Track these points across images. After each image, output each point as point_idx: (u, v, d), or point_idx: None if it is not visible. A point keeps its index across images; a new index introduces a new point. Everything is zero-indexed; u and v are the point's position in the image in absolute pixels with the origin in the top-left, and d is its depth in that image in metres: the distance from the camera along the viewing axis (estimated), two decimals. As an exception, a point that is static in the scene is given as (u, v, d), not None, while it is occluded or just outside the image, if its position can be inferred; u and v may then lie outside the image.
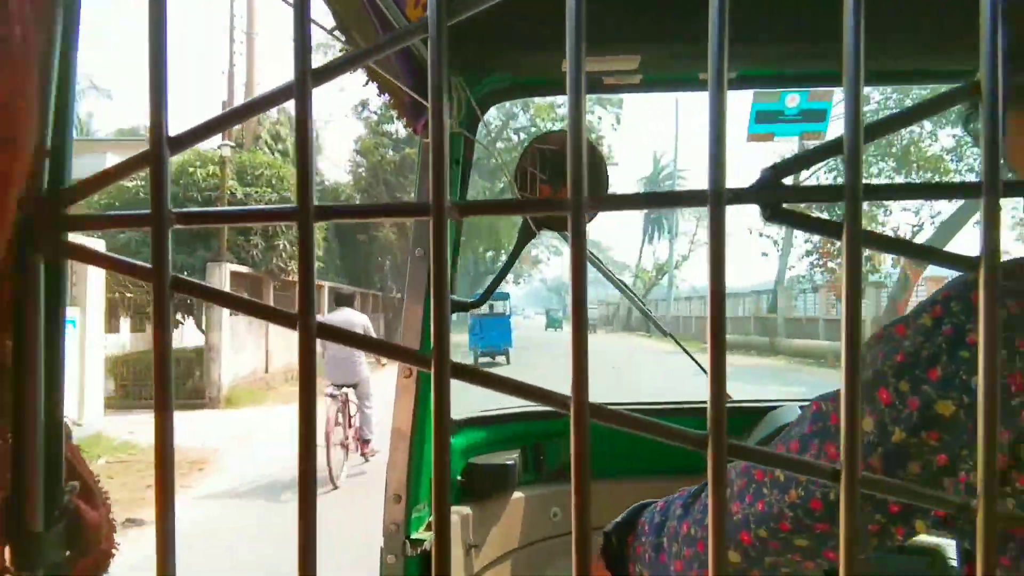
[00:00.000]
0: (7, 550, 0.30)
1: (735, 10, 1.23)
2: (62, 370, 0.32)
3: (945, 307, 0.66)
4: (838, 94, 1.43)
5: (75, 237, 0.31)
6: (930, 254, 0.29)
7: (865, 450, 0.67)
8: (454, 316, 1.45)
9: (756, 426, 1.61)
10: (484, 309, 18.67)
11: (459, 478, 1.58)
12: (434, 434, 0.27)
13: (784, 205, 0.29)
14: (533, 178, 1.42)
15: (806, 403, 1.78)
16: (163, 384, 0.28)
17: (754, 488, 0.77)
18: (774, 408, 1.64)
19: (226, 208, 0.29)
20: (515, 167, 1.37)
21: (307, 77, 0.28)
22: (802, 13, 1.15)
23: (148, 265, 0.28)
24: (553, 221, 1.26)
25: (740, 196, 0.28)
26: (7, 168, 0.27)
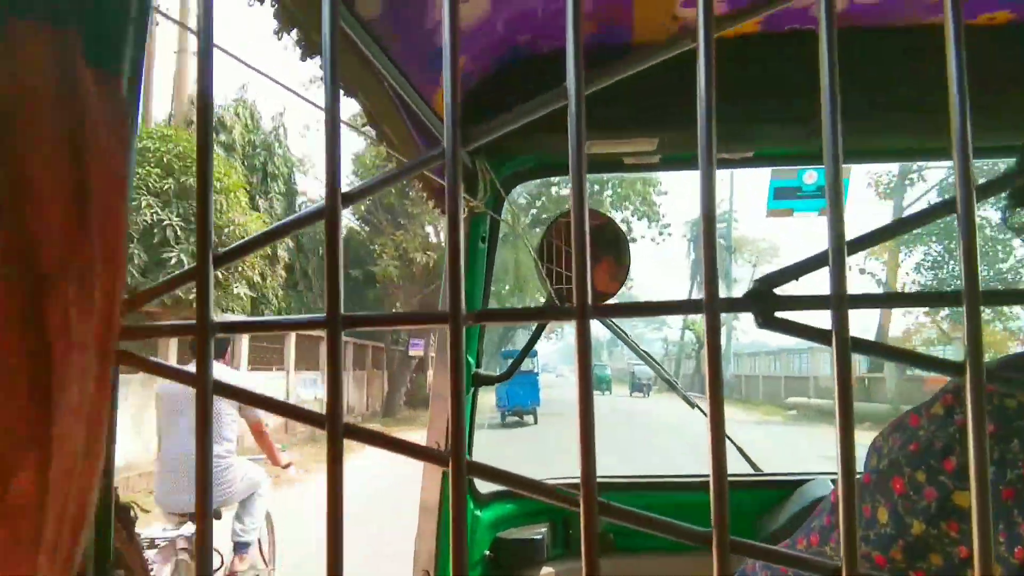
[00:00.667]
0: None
1: (748, 92, 1.28)
2: (112, 462, 0.34)
3: (956, 396, 0.67)
4: (856, 169, 1.46)
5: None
6: (917, 359, 0.31)
7: (885, 542, 0.66)
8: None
9: (788, 500, 1.59)
10: None
11: (487, 552, 1.57)
12: (452, 533, 0.29)
13: (777, 313, 0.31)
14: (558, 250, 1.46)
15: (836, 476, 1.74)
16: (204, 486, 0.30)
17: None
18: (806, 481, 1.62)
19: (263, 318, 0.32)
20: (540, 240, 1.41)
21: (337, 200, 0.32)
22: (814, 94, 1.18)
23: (192, 371, 0.31)
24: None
25: (734, 304, 0.31)
26: (113, 284, 0.31)
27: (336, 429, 0.31)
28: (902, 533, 0.66)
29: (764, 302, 0.30)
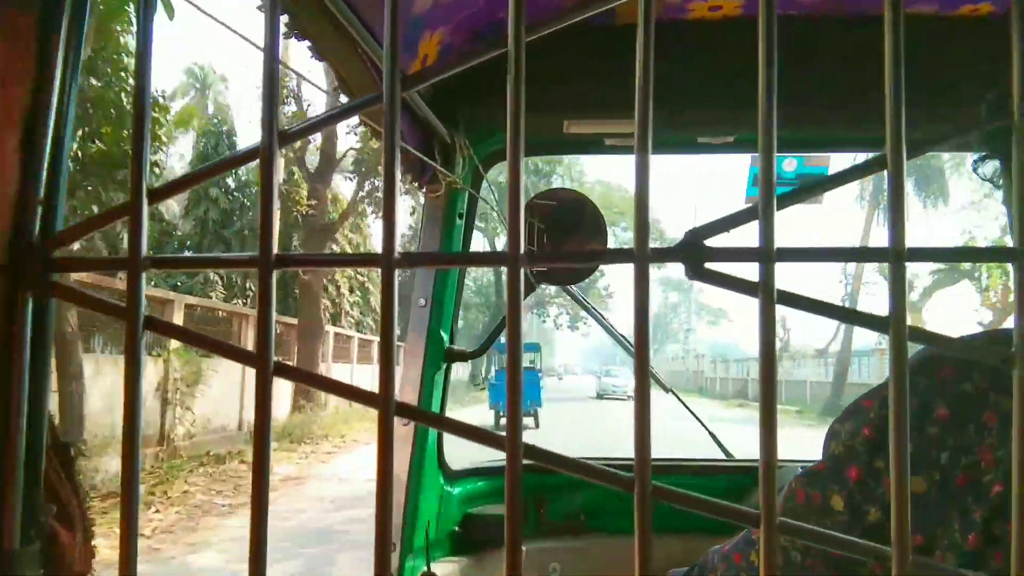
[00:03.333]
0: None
1: (729, 76, 1.28)
2: (47, 396, 0.34)
3: (911, 380, 0.66)
4: (835, 158, 1.46)
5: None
6: (845, 314, 0.31)
7: (839, 530, 0.67)
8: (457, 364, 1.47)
9: (755, 487, 1.60)
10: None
11: (456, 528, 1.58)
12: (377, 482, 0.29)
13: (706, 265, 0.31)
14: (540, 232, 1.46)
15: (809, 463, 1.76)
16: (132, 420, 0.30)
17: (732, 572, 0.78)
18: (777, 468, 1.64)
19: (194, 255, 0.32)
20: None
21: (274, 139, 0.32)
22: (797, 80, 1.19)
23: (123, 304, 0.31)
24: (550, 276, 1.29)
25: (664, 254, 0.31)
26: None
27: (267, 367, 0.31)
28: (858, 521, 0.65)
29: (694, 253, 0.31)
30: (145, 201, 0.31)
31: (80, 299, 0.33)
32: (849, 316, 0.31)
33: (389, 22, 0.32)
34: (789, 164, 1.45)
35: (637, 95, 0.32)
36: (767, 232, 0.30)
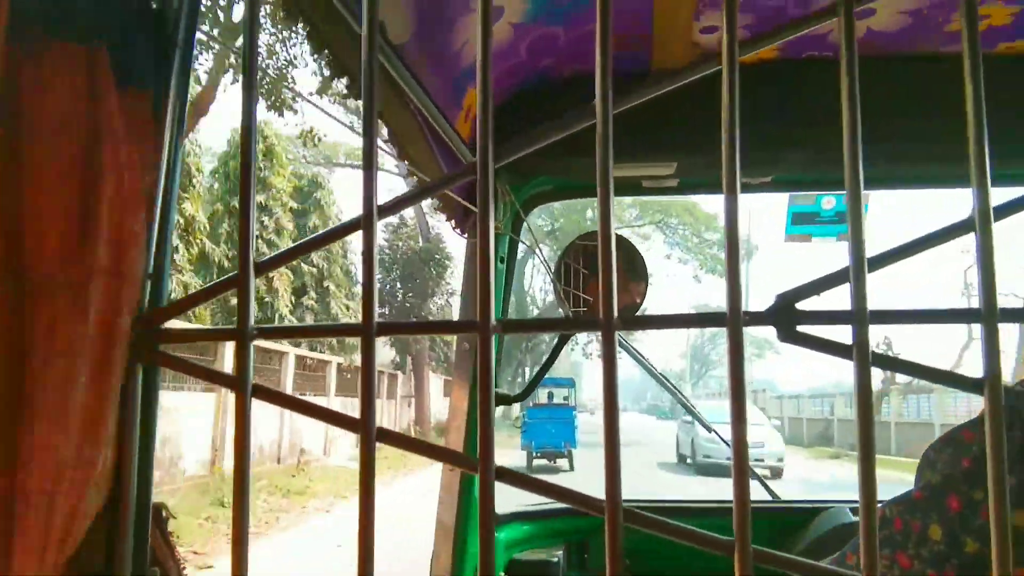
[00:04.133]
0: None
1: (767, 117, 1.29)
2: (152, 460, 0.36)
3: (1013, 412, 0.66)
4: (874, 196, 1.46)
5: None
6: (936, 374, 0.31)
7: (938, 559, 0.65)
8: (499, 410, 1.47)
9: (806, 527, 1.57)
10: (542, 397, 15.75)
11: (502, 574, 1.56)
12: (480, 536, 0.30)
13: (798, 328, 0.31)
14: (576, 273, 1.47)
15: (854, 503, 1.71)
16: (242, 481, 0.31)
17: None
18: (824, 509, 1.61)
19: (299, 324, 0.33)
20: (557, 263, 1.43)
21: (373, 212, 0.33)
22: (832, 120, 1.20)
23: (232, 375, 0.32)
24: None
25: (757, 319, 0.32)
26: (117, 295, 0.32)
27: (370, 432, 0.32)
28: (956, 552, 0.65)
29: (786, 316, 0.31)
30: (252, 274, 0.33)
31: (188, 369, 0.34)
32: (943, 377, 0.31)
33: (482, 98, 0.33)
34: (828, 202, 1.45)
35: (723, 136, 0.33)
36: (859, 295, 0.30)
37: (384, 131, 0.94)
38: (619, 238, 1.47)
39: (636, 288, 1.38)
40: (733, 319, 0.31)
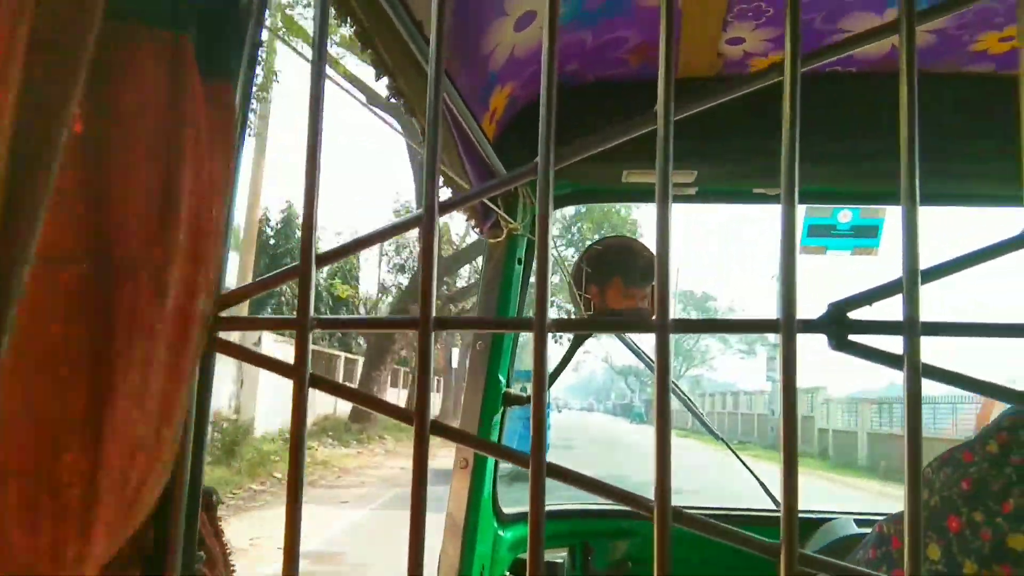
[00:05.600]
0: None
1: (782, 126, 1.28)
2: (205, 444, 0.36)
3: (1012, 435, 0.66)
4: (890, 211, 1.46)
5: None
6: (986, 388, 0.32)
7: None
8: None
9: (810, 538, 1.58)
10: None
11: (507, 574, 1.57)
12: (530, 531, 0.30)
13: (850, 337, 0.32)
14: (588, 277, 1.48)
15: (859, 516, 1.71)
16: (297, 470, 0.32)
17: None
18: (828, 520, 1.61)
19: (357, 316, 0.34)
20: (575, 267, 1.44)
21: (434, 208, 0.34)
22: (854, 134, 1.21)
23: (290, 363, 0.33)
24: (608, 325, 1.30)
25: (810, 326, 0.32)
26: (194, 280, 0.33)
27: (424, 425, 0.32)
28: (954, 572, 0.65)
29: (838, 325, 0.32)
30: (314, 265, 0.34)
31: (246, 356, 0.35)
32: (993, 391, 0.32)
33: (545, 100, 0.34)
34: (844, 216, 1.46)
35: (783, 149, 0.33)
36: (912, 305, 0.31)
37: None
38: (635, 243, 1.48)
39: (641, 294, 1.39)
40: (787, 325, 0.31)
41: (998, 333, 0.31)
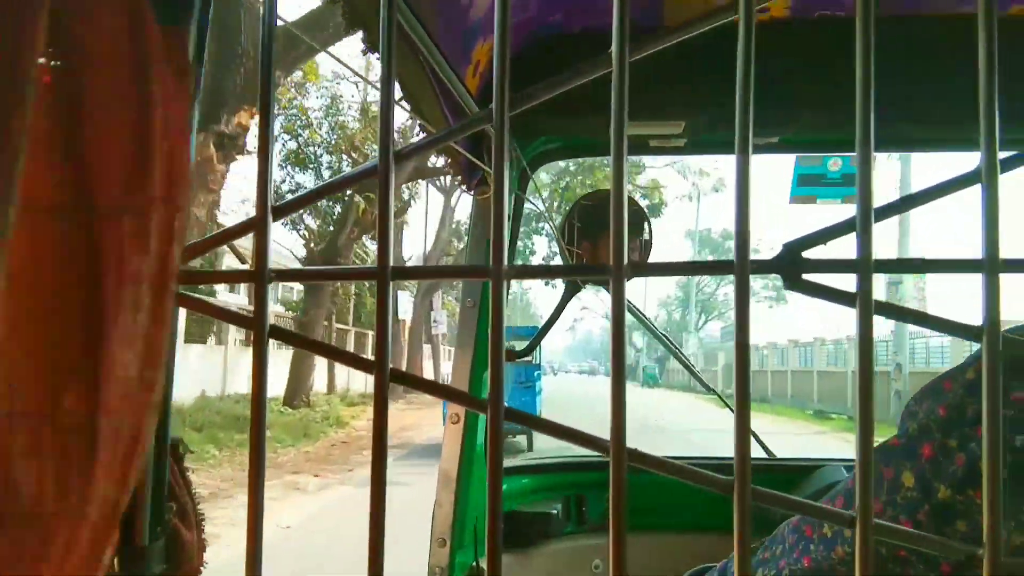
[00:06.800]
0: (115, 559, 0.35)
1: (776, 77, 1.28)
2: (170, 400, 0.37)
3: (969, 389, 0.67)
4: (879, 158, 1.46)
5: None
6: (937, 323, 0.32)
7: (911, 505, 0.67)
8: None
9: (803, 483, 1.61)
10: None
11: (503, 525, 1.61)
12: (488, 479, 0.31)
13: (804, 275, 0.32)
14: (580, 232, 1.48)
15: (849, 462, 1.73)
16: (259, 422, 0.32)
17: (803, 544, 0.78)
18: (820, 467, 1.64)
19: (315, 267, 0.34)
20: (562, 222, 1.44)
21: (389, 158, 0.33)
22: (842, 81, 1.19)
23: (249, 315, 0.33)
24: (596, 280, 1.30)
25: (763, 267, 0.32)
26: (171, 224, 0.33)
27: (383, 374, 0.33)
28: (928, 497, 0.66)
29: (792, 265, 0.32)
30: (270, 217, 0.34)
31: (206, 308, 0.35)
32: (944, 326, 0.32)
33: (499, 43, 0.33)
34: (835, 164, 1.45)
35: (737, 92, 0.33)
36: (864, 244, 0.31)
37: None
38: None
39: (633, 244, 1.39)
40: (741, 266, 0.31)
41: (947, 269, 0.31)
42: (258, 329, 0.33)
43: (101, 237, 0.33)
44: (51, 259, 0.32)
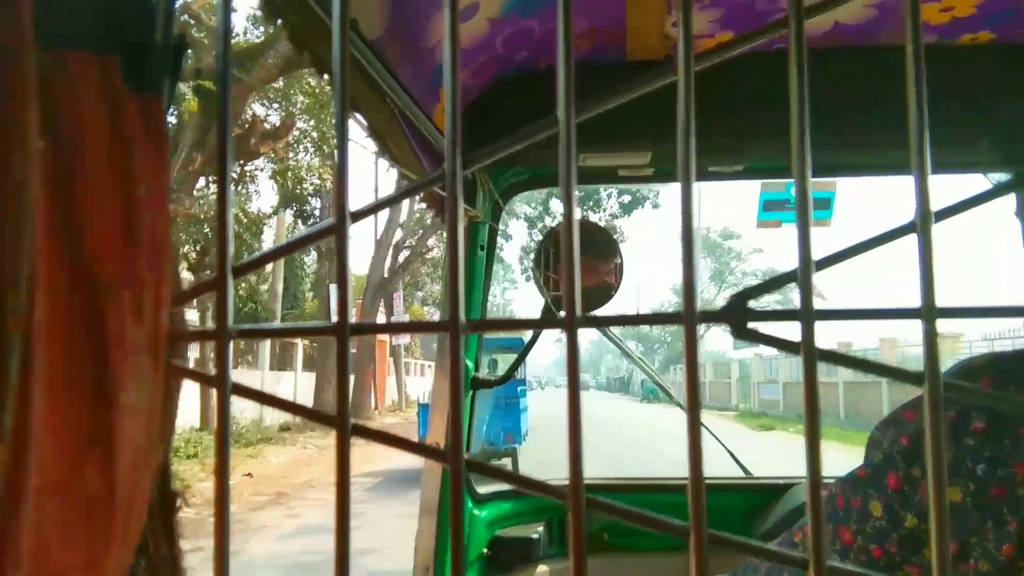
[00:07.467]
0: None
1: (738, 106, 1.31)
2: (169, 458, 0.37)
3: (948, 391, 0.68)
4: (841, 183, 1.49)
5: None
6: (879, 369, 0.33)
7: (880, 535, 0.68)
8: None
9: (777, 502, 1.62)
10: (484, 366, 14.03)
11: (485, 550, 1.60)
12: (451, 530, 0.31)
13: (749, 325, 0.33)
14: (555, 257, 1.50)
15: (824, 479, 1.75)
16: (223, 485, 0.32)
17: (775, 573, 0.79)
18: (794, 484, 1.65)
19: (277, 325, 0.35)
20: (537, 248, 1.45)
21: (346, 216, 0.34)
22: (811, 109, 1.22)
23: (213, 375, 0.34)
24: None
25: (711, 316, 0.33)
26: (159, 294, 0.34)
27: (345, 428, 0.33)
28: (896, 527, 0.67)
29: (738, 315, 0.33)
30: (230, 277, 0.34)
31: (171, 370, 0.35)
32: (886, 372, 0.33)
33: (451, 106, 0.34)
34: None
35: (679, 131, 0.34)
36: (806, 294, 0.32)
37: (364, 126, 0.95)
38: (587, 223, 1.50)
39: (605, 268, 1.41)
40: (688, 317, 0.32)
41: (888, 316, 0.33)
42: (221, 387, 0.33)
43: (104, 314, 0.34)
44: (61, 336, 0.33)
